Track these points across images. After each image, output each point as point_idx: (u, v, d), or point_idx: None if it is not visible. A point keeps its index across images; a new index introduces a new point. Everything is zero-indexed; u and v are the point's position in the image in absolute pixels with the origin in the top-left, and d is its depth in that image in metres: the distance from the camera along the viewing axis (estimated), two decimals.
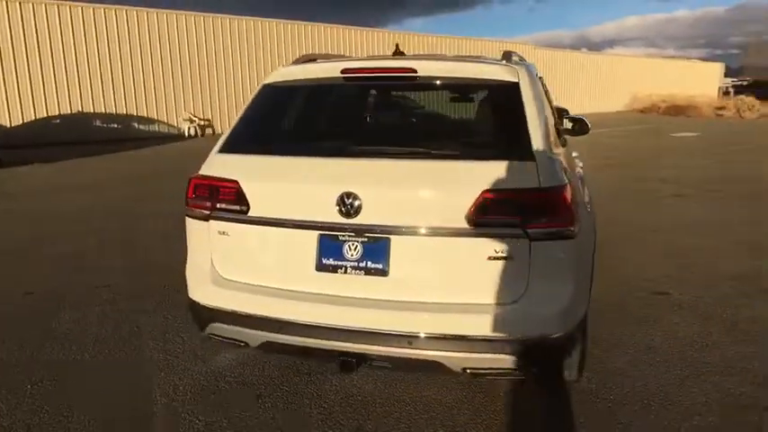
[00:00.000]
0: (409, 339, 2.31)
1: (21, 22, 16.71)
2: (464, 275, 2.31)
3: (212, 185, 2.62)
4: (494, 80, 2.63)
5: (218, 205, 2.59)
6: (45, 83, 17.23)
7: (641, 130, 21.91)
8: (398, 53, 3.21)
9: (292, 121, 3.03)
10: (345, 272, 2.39)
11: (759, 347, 3.45)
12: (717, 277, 4.74)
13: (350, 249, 2.39)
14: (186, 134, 19.76)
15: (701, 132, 20.89)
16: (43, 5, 17.08)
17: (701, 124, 25.13)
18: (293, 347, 2.52)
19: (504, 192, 2.27)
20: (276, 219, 2.48)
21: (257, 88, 2.94)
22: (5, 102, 16.62)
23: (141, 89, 19.19)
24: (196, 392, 2.98)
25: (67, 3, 17.55)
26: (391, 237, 2.35)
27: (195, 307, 2.72)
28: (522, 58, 3.14)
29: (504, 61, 2.84)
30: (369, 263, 2.37)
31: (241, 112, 2.90)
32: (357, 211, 2.35)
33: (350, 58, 2.95)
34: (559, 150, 2.64)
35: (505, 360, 2.30)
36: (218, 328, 2.63)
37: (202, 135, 20.24)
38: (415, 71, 2.61)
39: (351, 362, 2.43)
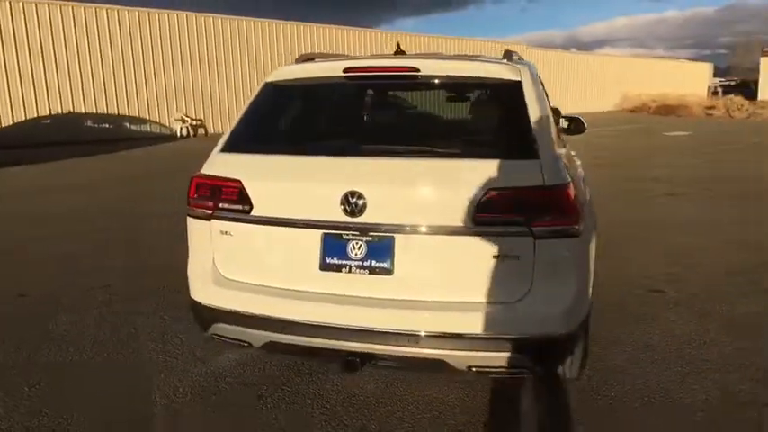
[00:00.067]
0: (414, 338, 2.31)
1: (10, 22, 16.55)
2: (468, 274, 2.31)
3: (214, 185, 2.60)
4: (496, 79, 2.63)
5: (220, 205, 2.58)
6: (35, 83, 17.09)
7: (632, 130, 22.06)
8: (399, 52, 3.21)
9: (294, 120, 3.02)
10: (350, 271, 2.38)
11: (756, 344, 3.47)
12: (711, 275, 4.78)
13: (354, 248, 2.38)
14: (178, 134, 19.67)
15: (692, 132, 21.06)
16: (33, 5, 16.94)
17: (692, 124, 25.32)
18: (297, 347, 2.51)
19: (509, 190, 2.27)
20: (279, 218, 2.47)
21: (259, 87, 2.93)
22: None
23: (133, 89, 19.08)
24: (196, 394, 2.96)
25: (58, 2, 17.42)
26: (396, 236, 2.35)
27: (197, 307, 2.70)
28: (520, 58, 3.15)
29: (505, 60, 2.85)
30: (373, 262, 2.36)
31: (242, 112, 2.89)
32: (361, 210, 2.34)
33: (351, 58, 2.94)
34: (561, 149, 2.64)
35: (510, 358, 2.30)
36: (221, 328, 2.62)
37: (195, 135, 20.16)
38: (418, 70, 2.60)
39: (355, 361, 2.42)
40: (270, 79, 2.94)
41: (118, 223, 6.98)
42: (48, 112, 17.34)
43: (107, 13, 18.44)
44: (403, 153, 2.48)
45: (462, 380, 2.99)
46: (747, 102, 31.69)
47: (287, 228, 2.47)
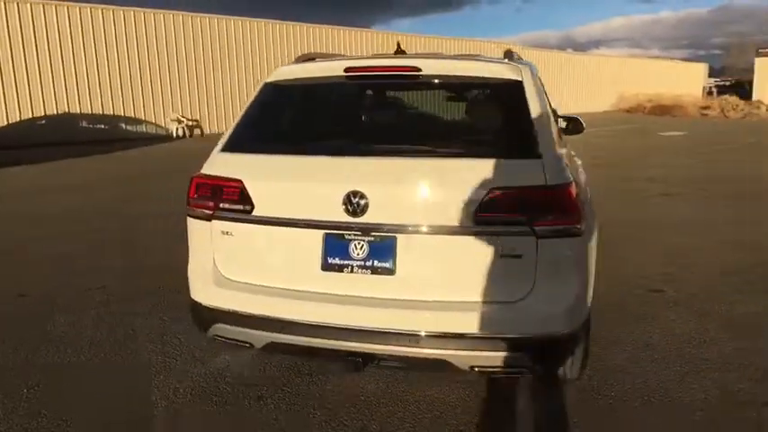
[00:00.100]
0: (416, 338, 2.30)
1: (5, 22, 16.48)
2: (471, 274, 2.31)
3: (215, 185, 2.59)
4: (497, 78, 2.63)
5: (221, 205, 2.57)
6: (30, 83, 17.03)
7: (627, 130, 22.12)
8: (400, 52, 3.20)
9: (295, 119, 3.01)
10: (351, 271, 2.38)
11: (755, 343, 3.48)
12: (708, 274, 4.80)
13: (356, 248, 2.38)
14: (174, 135, 19.62)
15: (687, 132, 21.14)
16: (28, 5, 16.87)
17: (687, 124, 25.42)
18: (299, 348, 2.50)
19: (511, 189, 2.27)
20: (281, 218, 2.47)
21: (258, 87, 2.92)
22: None
23: (128, 89, 19.03)
24: (197, 394, 2.95)
25: (52, 2, 17.35)
26: (398, 235, 2.34)
27: (197, 308, 2.69)
28: (519, 58, 3.15)
29: (506, 60, 2.85)
30: (375, 262, 2.36)
31: (242, 111, 2.88)
32: (363, 209, 2.33)
33: (352, 57, 2.94)
34: (562, 149, 2.65)
35: (512, 358, 2.30)
36: (222, 329, 2.61)
37: (191, 136, 20.12)
38: (419, 69, 2.60)
39: (357, 362, 2.41)
40: (270, 79, 2.93)
41: (114, 224, 6.96)
42: (43, 113, 17.28)
43: (102, 13, 18.38)
44: (405, 153, 2.48)
45: (463, 380, 2.98)
46: (742, 102, 31.83)
47: (288, 228, 2.46)
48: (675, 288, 4.43)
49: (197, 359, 3.33)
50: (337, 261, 2.40)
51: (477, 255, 2.29)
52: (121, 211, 7.73)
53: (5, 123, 16.60)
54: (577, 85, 36.40)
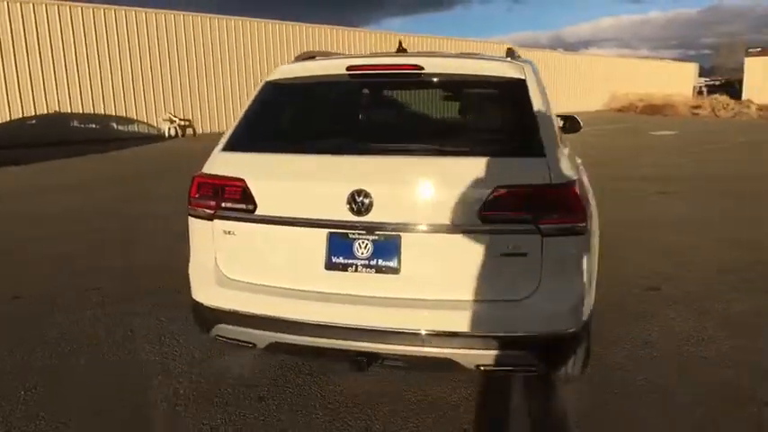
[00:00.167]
0: (421, 337, 2.30)
1: None
2: (476, 272, 2.30)
3: (217, 184, 2.57)
4: (500, 77, 2.63)
5: (223, 204, 2.55)
6: (20, 83, 16.86)
7: (619, 129, 22.22)
8: (401, 50, 3.20)
9: (297, 118, 2.99)
10: (356, 270, 2.37)
11: (753, 341, 3.50)
12: (705, 273, 4.83)
13: (360, 247, 2.37)
14: (166, 134, 19.51)
15: (679, 131, 21.26)
16: (18, 3, 16.71)
17: (678, 123, 25.57)
18: (302, 348, 2.49)
19: (516, 188, 2.27)
20: (284, 218, 2.45)
21: (259, 86, 2.90)
22: None
23: (120, 89, 18.90)
24: (198, 396, 2.93)
25: (43, 1, 17.19)
26: (402, 234, 2.33)
27: (199, 308, 2.67)
28: (518, 56, 3.14)
29: (508, 58, 2.84)
30: (380, 261, 2.35)
31: (243, 111, 2.85)
32: (368, 208, 2.32)
33: (353, 56, 2.92)
34: (565, 147, 2.65)
35: (518, 356, 2.31)
36: (224, 329, 2.59)
37: (183, 135, 20.01)
38: (422, 68, 2.59)
39: (362, 361, 2.40)
40: (271, 78, 2.91)
41: (112, 224, 6.92)
42: (33, 113, 17.11)
43: (93, 12, 18.24)
44: (409, 151, 2.47)
45: (466, 379, 2.98)
46: (733, 101, 32.07)
47: (292, 227, 2.45)
48: (673, 286, 4.45)
49: (196, 360, 3.30)
50: (341, 260, 2.39)
51: (483, 253, 2.28)
52: (119, 210, 7.68)
53: None
54: (569, 84, 36.52)
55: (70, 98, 17.85)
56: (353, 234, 2.38)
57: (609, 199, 8.10)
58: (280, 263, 2.52)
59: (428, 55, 2.87)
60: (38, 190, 9.48)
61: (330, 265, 2.40)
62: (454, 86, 3.08)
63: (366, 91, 3.20)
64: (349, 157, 2.51)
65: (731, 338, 3.52)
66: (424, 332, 2.30)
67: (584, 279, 2.39)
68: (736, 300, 4.16)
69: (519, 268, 2.28)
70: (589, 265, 2.43)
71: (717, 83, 49.39)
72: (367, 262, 2.36)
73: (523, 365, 2.37)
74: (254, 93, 2.89)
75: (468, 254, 2.30)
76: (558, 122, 3.90)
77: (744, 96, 36.63)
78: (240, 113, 2.86)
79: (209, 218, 2.59)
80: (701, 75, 52.81)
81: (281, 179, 2.52)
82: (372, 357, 2.41)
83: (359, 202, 2.32)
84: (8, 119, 16.70)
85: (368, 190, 2.32)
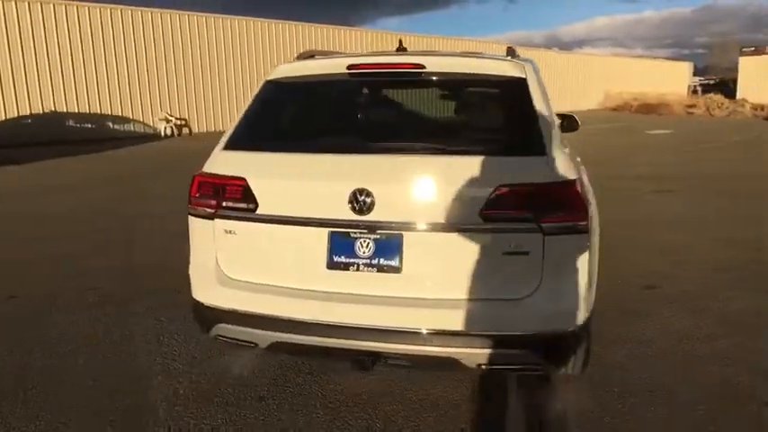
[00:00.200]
0: (424, 336, 2.29)
1: None
2: (478, 271, 2.30)
3: (218, 183, 2.56)
4: (502, 76, 2.63)
5: (224, 203, 2.54)
6: (15, 82, 16.77)
7: (614, 128, 22.28)
8: (401, 49, 3.19)
9: (298, 117, 2.98)
10: (358, 269, 2.37)
11: (750, 339, 3.52)
12: (701, 272, 4.85)
13: (362, 247, 2.36)
14: (162, 134, 19.45)
15: (674, 130, 21.35)
16: (12, 2, 16.61)
17: (673, 122, 25.66)
18: (304, 347, 2.48)
19: (518, 186, 2.27)
20: (286, 217, 2.44)
21: (260, 85, 2.89)
22: None
23: (116, 88, 18.83)
24: (198, 396, 2.92)
25: (38, 0, 17.10)
26: (404, 233, 2.33)
27: (199, 308, 2.66)
28: (518, 55, 3.14)
29: (509, 57, 2.84)
30: (381, 260, 2.35)
31: (244, 110, 2.85)
32: (370, 207, 2.32)
33: (353, 55, 2.92)
34: (565, 146, 2.65)
35: (520, 355, 2.31)
36: (225, 328, 2.58)
37: (179, 135, 19.96)
38: (423, 67, 2.59)
39: (365, 361, 2.40)
40: (271, 77, 2.90)
41: (110, 223, 6.91)
42: (29, 112, 17.03)
43: (89, 11, 18.17)
44: (410, 150, 2.47)
45: (467, 378, 2.99)
46: (727, 100, 32.24)
47: (293, 226, 2.44)
48: (670, 285, 4.47)
49: (196, 360, 3.29)
50: (343, 259, 2.38)
51: (485, 252, 2.28)
52: (117, 210, 7.67)
53: None
54: (564, 83, 36.58)
55: (66, 97, 17.77)
56: (355, 233, 2.37)
57: (605, 198, 8.05)
58: (281, 262, 2.51)
59: (429, 54, 2.87)
60: (41, 190, 9.46)
61: (332, 265, 2.40)
62: (455, 85, 3.08)
63: (367, 90, 3.20)
64: (351, 156, 2.51)
65: (729, 336, 3.54)
66: (426, 331, 2.30)
67: (586, 278, 2.39)
68: (733, 298, 4.18)
69: (521, 267, 2.29)
70: (590, 263, 2.43)
71: (711, 82, 49.69)
72: (369, 261, 2.36)
73: (526, 364, 2.37)
74: (254, 92, 2.88)
75: (470, 253, 2.30)
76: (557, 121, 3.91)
77: (738, 95, 36.85)
78: (241, 112, 2.85)
79: (210, 217, 2.58)
80: (694, 74, 53.06)
81: (283, 178, 2.51)
82: (375, 357, 2.41)
83: (361, 201, 2.32)
84: (3, 118, 16.62)
85: (370, 189, 2.32)
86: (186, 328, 3.62)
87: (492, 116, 2.84)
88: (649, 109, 32.55)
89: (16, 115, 16.79)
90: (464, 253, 2.30)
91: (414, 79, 2.68)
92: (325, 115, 3.03)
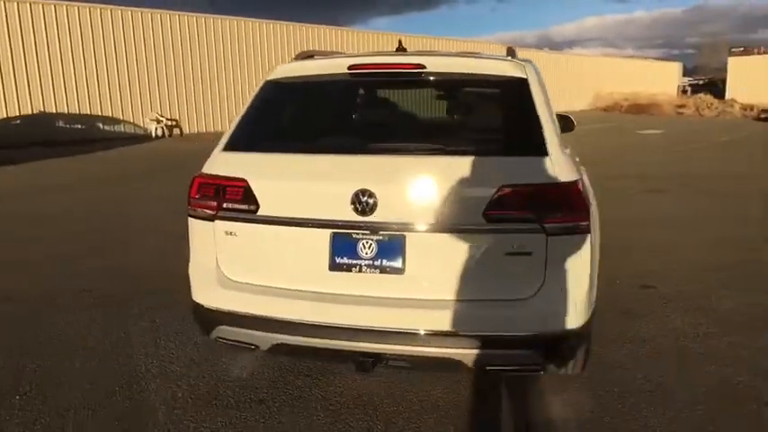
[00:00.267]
0: (427, 338, 2.29)
1: None
2: (481, 271, 2.30)
3: (218, 184, 2.54)
4: (503, 76, 2.63)
5: (224, 205, 2.52)
6: (4, 82, 16.60)
7: (606, 128, 22.37)
8: (401, 50, 3.18)
9: (299, 118, 2.97)
10: (360, 270, 2.35)
11: (747, 337, 3.54)
12: (697, 270, 4.88)
13: (364, 248, 2.35)
14: (153, 135, 19.32)
15: (664, 130, 21.48)
16: (1, 2, 16.44)
17: (664, 122, 25.84)
18: (306, 349, 2.47)
19: (521, 187, 2.27)
20: (287, 218, 2.43)
21: (259, 85, 2.87)
22: None
23: (106, 88, 18.68)
24: (197, 399, 2.89)
25: (27, 0, 16.93)
26: (407, 234, 2.32)
27: (199, 310, 2.64)
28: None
29: (509, 58, 2.84)
30: (384, 261, 2.34)
31: (243, 110, 2.83)
32: (372, 208, 2.31)
33: (353, 55, 2.91)
34: (566, 146, 2.65)
35: (523, 356, 2.31)
36: (226, 331, 2.56)
37: (170, 135, 19.84)
38: (424, 67, 2.58)
39: (367, 362, 2.39)
40: (270, 77, 2.88)
41: (106, 224, 6.86)
42: (17, 112, 16.86)
43: (78, 11, 18.02)
44: (413, 151, 2.47)
45: (467, 379, 2.98)
46: (717, 100, 32.51)
47: (295, 227, 2.43)
48: (666, 284, 4.49)
49: (194, 363, 3.27)
50: (345, 261, 2.37)
51: (487, 252, 2.28)
52: (111, 211, 7.60)
53: None
54: (555, 83, 36.61)
55: (55, 98, 17.61)
56: (357, 234, 2.36)
57: (601, 198, 8.10)
58: (282, 264, 2.50)
59: (429, 54, 2.87)
60: (38, 190, 9.38)
61: (334, 266, 2.39)
62: (456, 85, 3.07)
63: (368, 90, 3.19)
64: (353, 156, 2.50)
65: (727, 336, 3.56)
66: (429, 332, 2.29)
67: (588, 277, 2.40)
68: (727, 297, 4.20)
69: (523, 267, 2.28)
70: (592, 263, 2.44)
71: (700, 82, 50.09)
72: (371, 262, 2.35)
73: (527, 365, 2.37)
74: (246, 92, 2.87)
75: (473, 253, 2.29)
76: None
77: (727, 95, 37.19)
78: (240, 113, 2.83)
79: (211, 218, 2.56)
80: (684, 74, 53.49)
81: (284, 179, 2.50)
82: (378, 358, 2.40)
83: (363, 201, 2.31)
84: None
85: (372, 190, 2.31)
86: (185, 330, 3.60)
87: (493, 116, 2.84)
88: (640, 109, 32.75)
89: (5, 116, 16.62)
90: (467, 254, 2.30)
91: (414, 79, 2.67)
92: (327, 115, 3.02)
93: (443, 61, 2.79)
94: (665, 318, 3.84)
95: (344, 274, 2.37)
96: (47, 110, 17.41)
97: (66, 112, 17.84)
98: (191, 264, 2.74)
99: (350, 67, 2.67)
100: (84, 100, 18.22)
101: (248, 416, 2.75)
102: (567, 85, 37.74)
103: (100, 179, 10.59)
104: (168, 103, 20.27)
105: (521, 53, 3.06)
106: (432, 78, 2.69)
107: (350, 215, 2.34)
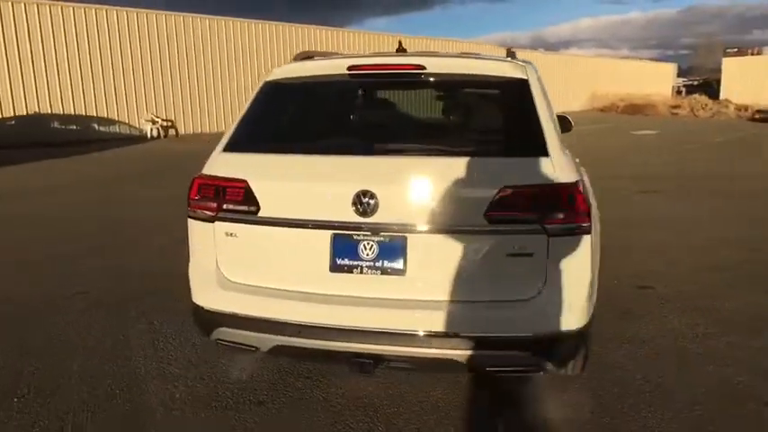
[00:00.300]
0: (428, 339, 2.28)
1: None
2: (482, 273, 2.30)
3: (218, 186, 2.53)
4: (503, 77, 2.63)
5: (224, 206, 2.51)
6: None
7: (602, 129, 22.41)
8: (401, 50, 3.18)
9: (300, 118, 2.96)
10: (361, 272, 2.35)
11: (746, 338, 3.55)
12: (695, 271, 4.89)
13: (365, 249, 2.35)
14: (148, 135, 19.25)
15: (659, 130, 21.55)
16: None
17: (659, 123, 25.91)
18: (307, 350, 2.46)
19: (522, 188, 2.27)
20: (288, 219, 2.42)
21: (259, 86, 2.86)
22: None
23: (101, 89, 18.58)
24: (195, 401, 2.88)
25: (21, 0, 16.85)
26: (408, 235, 2.32)
27: (199, 312, 2.63)
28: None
29: (509, 59, 2.84)
30: (385, 262, 2.33)
31: (243, 111, 2.82)
32: (374, 209, 2.30)
33: (352, 55, 2.90)
34: (566, 147, 2.66)
35: (525, 357, 2.31)
36: (226, 332, 2.55)
37: (165, 136, 19.76)
38: (424, 68, 2.58)
39: (368, 364, 2.38)
40: (270, 78, 2.87)
41: (105, 224, 6.83)
42: (12, 113, 16.76)
43: (73, 11, 17.93)
44: (414, 152, 2.46)
45: (467, 380, 2.98)
46: (711, 101, 32.64)
47: (295, 229, 2.42)
48: (665, 285, 4.50)
49: (192, 364, 3.25)
50: (346, 262, 2.36)
51: (489, 253, 2.28)
52: (112, 212, 7.58)
53: None
54: (551, 84, 36.42)
55: (50, 99, 17.50)
56: (358, 235, 2.36)
57: (598, 198, 8.12)
58: (283, 265, 2.49)
59: (429, 55, 2.86)
60: (37, 190, 9.34)
61: (335, 267, 2.38)
62: (457, 86, 3.07)
63: (368, 91, 3.18)
64: (354, 157, 2.49)
65: (726, 336, 3.57)
66: (430, 334, 2.28)
67: (588, 278, 2.40)
68: (727, 297, 4.22)
69: (525, 268, 2.28)
70: (593, 264, 2.44)
71: (695, 83, 50.27)
72: (372, 263, 2.34)
73: (528, 366, 2.37)
74: (242, 93, 2.86)
75: (475, 254, 2.29)
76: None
77: (722, 96, 37.33)
78: (240, 114, 2.82)
79: (211, 220, 2.55)
80: (679, 75, 53.65)
81: (285, 180, 2.49)
82: (379, 360, 2.39)
83: (364, 202, 2.30)
84: None
85: (373, 191, 2.30)
86: (184, 331, 3.58)
87: (494, 117, 2.84)
88: (635, 110, 32.85)
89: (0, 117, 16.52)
90: (469, 255, 2.29)
91: (415, 80, 2.67)
92: (327, 116, 3.01)
93: (443, 62, 2.79)
94: (663, 318, 3.85)
95: (345, 275, 2.37)
96: (41, 111, 17.30)
97: (61, 112, 17.74)
98: (190, 265, 2.73)
99: (349, 68, 2.67)
100: (80, 100, 18.12)
101: (248, 417, 2.74)
102: (563, 85, 37.80)
103: (97, 180, 10.54)
104: (164, 103, 20.18)
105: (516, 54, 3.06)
106: (432, 79, 2.69)
107: (351, 216, 2.33)
